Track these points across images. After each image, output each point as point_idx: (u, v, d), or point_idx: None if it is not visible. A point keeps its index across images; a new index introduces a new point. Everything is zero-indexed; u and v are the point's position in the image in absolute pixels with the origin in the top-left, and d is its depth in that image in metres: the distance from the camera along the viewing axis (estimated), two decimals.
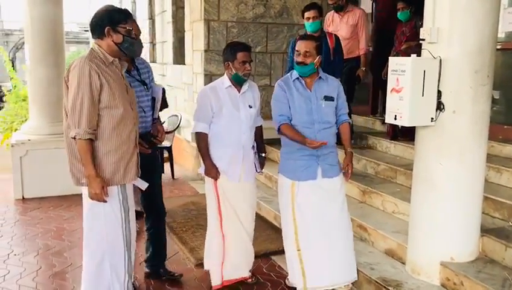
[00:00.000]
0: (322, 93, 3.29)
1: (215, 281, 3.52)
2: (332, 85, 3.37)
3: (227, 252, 3.48)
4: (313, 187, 3.29)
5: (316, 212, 3.29)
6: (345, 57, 5.19)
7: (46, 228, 4.74)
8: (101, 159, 2.75)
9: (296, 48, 3.26)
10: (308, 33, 4.96)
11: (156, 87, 3.46)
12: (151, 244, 3.63)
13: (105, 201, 2.74)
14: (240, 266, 3.57)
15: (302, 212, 3.29)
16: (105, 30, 2.74)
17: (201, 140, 3.41)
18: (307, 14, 4.89)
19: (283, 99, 3.28)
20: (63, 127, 2.85)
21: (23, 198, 5.69)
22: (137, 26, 3.18)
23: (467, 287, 3.04)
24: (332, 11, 5.76)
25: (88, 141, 2.67)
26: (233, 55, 3.32)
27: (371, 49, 6.01)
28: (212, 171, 3.38)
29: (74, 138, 2.67)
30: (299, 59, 3.22)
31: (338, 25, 5.65)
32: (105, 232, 2.84)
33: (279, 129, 3.29)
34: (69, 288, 3.56)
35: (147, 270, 3.70)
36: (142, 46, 3.07)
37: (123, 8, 2.98)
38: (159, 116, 3.54)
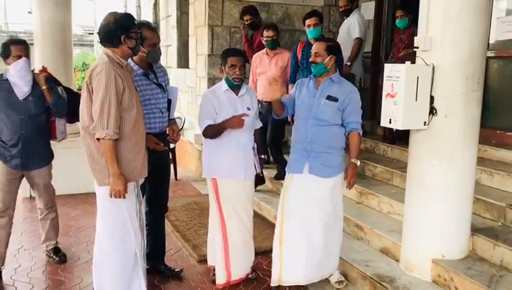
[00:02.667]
0: (327, 93, 3.40)
1: (220, 279, 3.62)
2: (343, 89, 3.42)
3: (233, 251, 3.59)
4: (302, 182, 3.43)
5: (303, 211, 3.42)
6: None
7: None
8: (122, 158, 2.92)
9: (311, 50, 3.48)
10: (310, 39, 5.15)
11: (172, 89, 3.64)
12: (150, 239, 3.69)
13: (125, 197, 2.90)
14: (245, 263, 3.72)
15: (290, 208, 3.45)
16: (122, 39, 2.90)
17: (211, 129, 3.45)
18: (307, 22, 5.06)
19: (292, 93, 3.62)
20: (80, 130, 3.00)
21: (31, 196, 5.83)
22: (158, 35, 3.39)
23: (456, 283, 3.19)
24: (260, 52, 5.63)
25: (115, 141, 2.84)
26: (224, 60, 3.51)
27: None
28: (230, 121, 3.41)
29: (99, 139, 2.82)
30: (311, 59, 3.44)
31: (267, 66, 5.49)
32: (130, 225, 3.01)
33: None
34: (77, 280, 3.73)
35: (147, 266, 3.61)
36: (161, 53, 3.35)
37: (127, 12, 3.15)
38: (174, 118, 3.71)
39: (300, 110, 3.49)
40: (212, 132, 3.47)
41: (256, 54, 5.70)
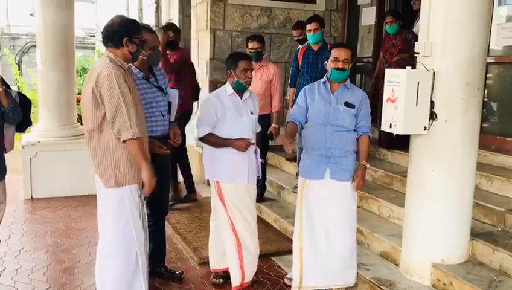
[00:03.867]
0: (343, 99, 3.44)
1: (235, 281, 3.58)
2: (357, 95, 3.48)
3: (245, 253, 3.55)
4: (321, 187, 3.45)
5: (322, 213, 3.45)
6: None
7: (54, 227, 4.93)
8: (127, 159, 2.94)
9: (335, 55, 3.40)
10: (311, 44, 5.17)
11: (172, 92, 3.66)
12: (151, 242, 3.65)
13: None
14: (255, 264, 3.68)
15: (309, 212, 3.47)
16: (124, 41, 2.92)
17: (211, 138, 3.49)
18: (308, 27, 5.08)
19: (301, 104, 3.53)
20: (85, 134, 3.01)
21: (32, 198, 5.87)
22: (158, 37, 3.39)
23: (455, 287, 3.21)
24: None
25: (140, 139, 2.89)
26: (235, 64, 3.52)
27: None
28: (238, 141, 3.47)
29: (126, 141, 2.84)
30: (339, 65, 3.38)
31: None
32: (132, 225, 3.03)
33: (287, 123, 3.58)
34: (78, 282, 3.74)
35: (148, 268, 3.59)
36: (161, 56, 3.30)
37: (133, 18, 3.20)
38: (175, 120, 3.73)
39: (316, 117, 3.46)
40: (213, 143, 3.51)
41: None
